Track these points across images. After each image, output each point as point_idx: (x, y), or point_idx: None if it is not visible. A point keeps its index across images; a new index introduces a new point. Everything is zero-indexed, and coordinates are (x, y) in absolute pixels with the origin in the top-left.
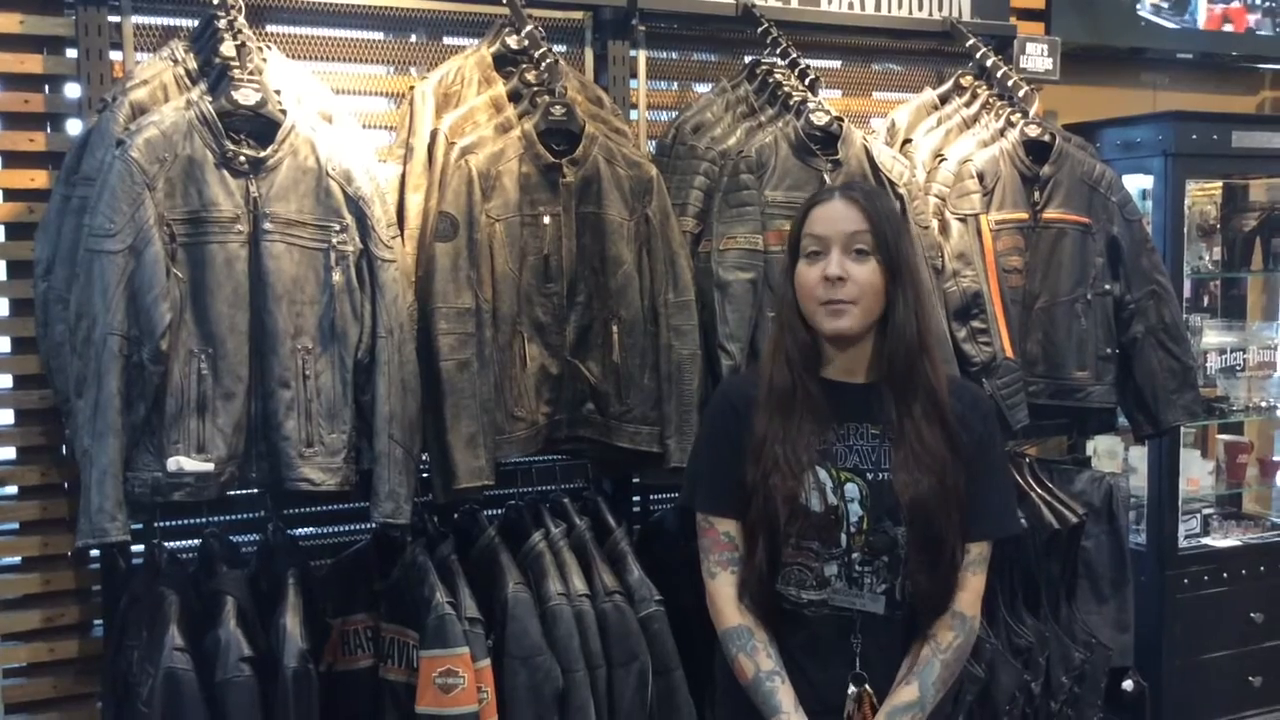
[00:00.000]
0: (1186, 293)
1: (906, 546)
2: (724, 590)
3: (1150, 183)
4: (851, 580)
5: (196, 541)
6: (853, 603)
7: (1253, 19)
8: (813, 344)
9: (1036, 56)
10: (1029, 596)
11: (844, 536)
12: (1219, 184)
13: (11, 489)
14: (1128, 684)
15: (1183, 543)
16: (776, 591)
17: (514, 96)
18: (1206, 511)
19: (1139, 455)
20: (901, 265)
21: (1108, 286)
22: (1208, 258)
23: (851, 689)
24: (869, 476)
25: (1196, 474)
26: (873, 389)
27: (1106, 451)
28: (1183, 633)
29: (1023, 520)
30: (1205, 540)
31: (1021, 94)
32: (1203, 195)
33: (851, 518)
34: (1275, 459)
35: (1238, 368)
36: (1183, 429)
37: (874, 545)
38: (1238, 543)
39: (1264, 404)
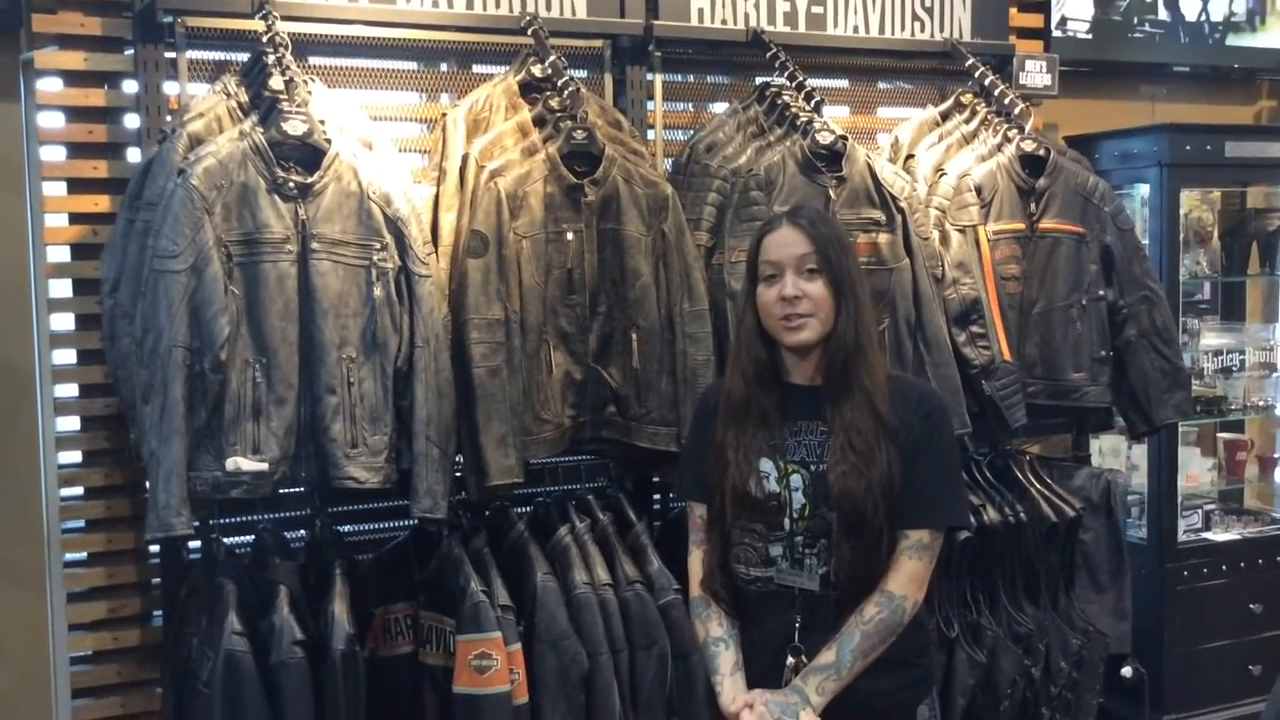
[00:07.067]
0: (1194, 296)
1: (836, 530)
2: (694, 565)
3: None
4: (795, 560)
5: (250, 537)
6: (793, 581)
7: None
8: (768, 358)
9: (1035, 73)
10: (1029, 586)
11: (787, 521)
12: (1218, 192)
13: (78, 489)
14: (1127, 670)
15: (1183, 536)
16: (731, 568)
17: (539, 121)
18: (1208, 507)
19: (1141, 453)
20: (844, 281)
21: (1102, 292)
22: (1204, 263)
23: (789, 660)
24: (812, 468)
25: (1196, 470)
26: (821, 390)
27: (1110, 450)
28: (1183, 623)
29: (1029, 514)
30: (1205, 534)
31: (1018, 110)
32: (1198, 203)
33: (795, 505)
34: (1275, 455)
35: (1234, 369)
36: (1183, 428)
37: (812, 529)
38: (1236, 536)
39: (1262, 403)
